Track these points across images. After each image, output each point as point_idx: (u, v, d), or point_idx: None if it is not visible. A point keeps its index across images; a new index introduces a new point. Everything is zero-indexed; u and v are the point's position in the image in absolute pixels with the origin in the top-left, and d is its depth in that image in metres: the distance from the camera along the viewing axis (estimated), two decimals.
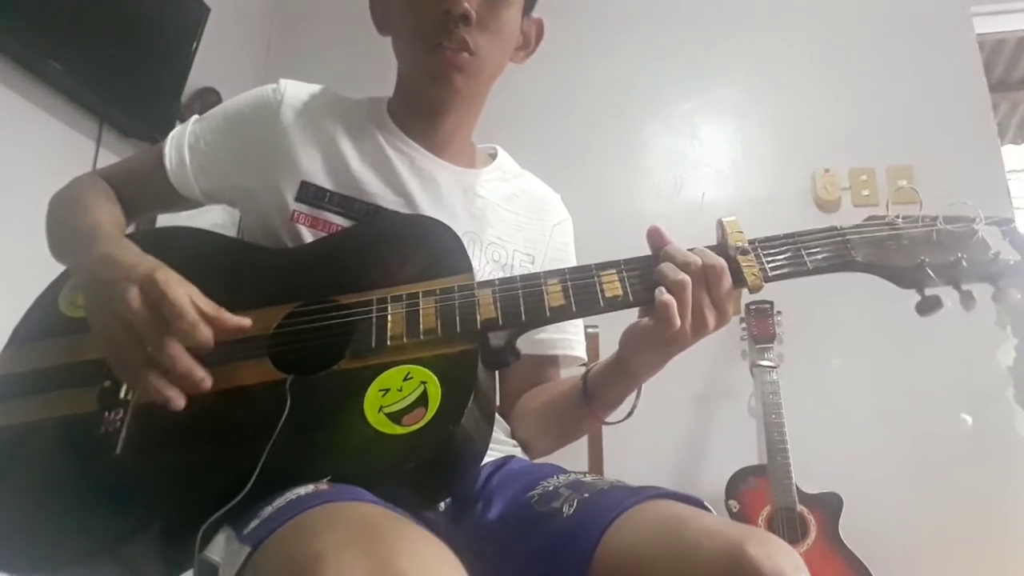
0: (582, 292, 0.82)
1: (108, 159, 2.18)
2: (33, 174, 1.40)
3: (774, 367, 2.25)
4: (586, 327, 1.19)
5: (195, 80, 2.50)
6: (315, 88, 1.08)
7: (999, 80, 3.80)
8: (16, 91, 1.99)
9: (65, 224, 0.97)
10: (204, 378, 0.76)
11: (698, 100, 2.82)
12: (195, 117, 1.08)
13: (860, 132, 2.60)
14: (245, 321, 0.81)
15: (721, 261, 0.80)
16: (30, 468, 0.82)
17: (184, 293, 0.76)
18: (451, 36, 0.95)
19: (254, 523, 0.63)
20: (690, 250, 0.82)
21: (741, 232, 0.83)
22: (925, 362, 2.31)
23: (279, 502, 0.65)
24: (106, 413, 0.82)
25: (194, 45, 2.46)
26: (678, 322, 0.78)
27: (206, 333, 0.76)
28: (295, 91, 1.05)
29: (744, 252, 0.81)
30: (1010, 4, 2.75)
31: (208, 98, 2.56)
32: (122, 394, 0.83)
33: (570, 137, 2.78)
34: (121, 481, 0.77)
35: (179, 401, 0.76)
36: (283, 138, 1.01)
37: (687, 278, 0.78)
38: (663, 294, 0.78)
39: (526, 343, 0.99)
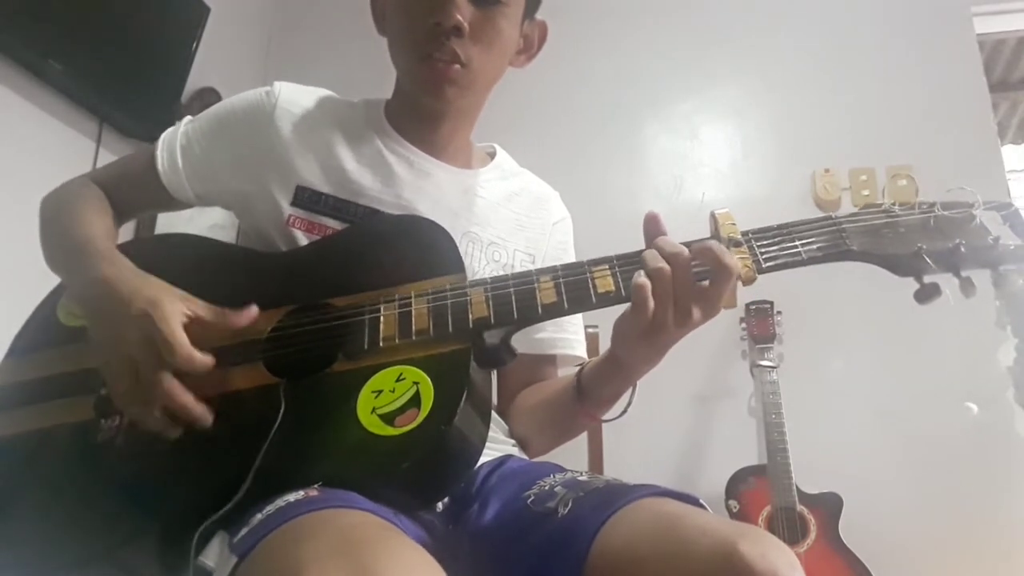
0: (574, 288, 0.81)
1: (108, 159, 2.18)
2: (33, 174, 1.41)
3: (774, 367, 2.25)
4: (586, 326, 1.18)
5: (195, 80, 2.51)
6: (310, 90, 1.07)
7: (999, 80, 3.79)
8: (16, 91, 1.99)
9: (58, 236, 0.97)
10: (202, 416, 0.77)
11: (698, 100, 2.82)
12: (187, 118, 1.07)
13: (860, 132, 2.60)
14: (251, 312, 0.83)
15: (729, 257, 0.76)
16: (28, 476, 0.82)
17: (178, 324, 0.77)
18: (442, 48, 0.94)
19: (243, 531, 0.63)
20: (685, 244, 0.80)
21: (734, 224, 0.81)
22: (925, 362, 2.31)
23: (269, 509, 0.65)
24: (103, 421, 0.82)
25: (194, 45, 2.46)
26: (652, 304, 0.76)
27: (202, 362, 0.77)
28: (289, 94, 1.04)
29: (737, 244, 0.79)
30: (1010, 4, 2.74)
31: (208, 98, 2.57)
32: None
33: (570, 137, 2.78)
34: (118, 487, 0.78)
35: (173, 432, 0.77)
36: (278, 142, 1.00)
37: (666, 266, 0.77)
38: (639, 277, 0.77)
39: (524, 342, 0.99)
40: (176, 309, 0.78)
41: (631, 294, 0.77)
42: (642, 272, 0.77)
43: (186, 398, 0.76)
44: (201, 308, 0.81)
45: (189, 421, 0.77)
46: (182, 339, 0.76)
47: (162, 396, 0.76)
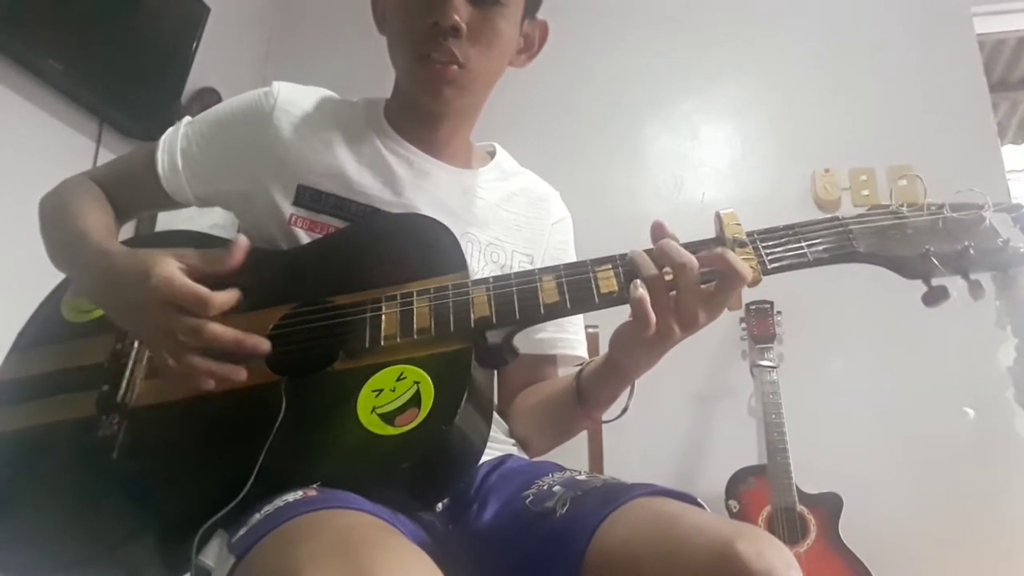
0: (577, 288, 0.80)
1: (108, 159, 2.18)
2: (33, 174, 1.41)
3: (774, 367, 2.25)
4: (587, 326, 1.18)
5: (195, 80, 2.50)
6: (309, 90, 1.07)
7: (999, 80, 3.79)
8: (16, 91, 1.99)
9: (59, 233, 0.97)
10: (258, 341, 0.79)
11: (698, 100, 2.81)
12: (187, 119, 1.07)
13: (860, 132, 2.60)
14: (239, 245, 0.83)
15: (742, 266, 0.75)
16: (30, 472, 0.83)
17: (184, 278, 0.77)
18: (440, 48, 0.93)
19: (242, 531, 0.63)
20: (686, 245, 0.79)
21: (739, 224, 0.80)
22: (925, 362, 2.31)
23: (267, 509, 0.65)
24: (104, 417, 0.83)
25: (194, 45, 2.46)
26: (653, 318, 0.75)
27: (230, 299, 0.78)
28: (289, 94, 1.04)
29: (742, 244, 0.78)
30: (1010, 4, 2.74)
31: (208, 98, 2.57)
32: (119, 398, 0.84)
33: (570, 137, 2.78)
34: (119, 484, 0.78)
35: (241, 374, 0.78)
36: (277, 142, 1.00)
37: (657, 272, 0.76)
38: (637, 289, 0.76)
39: (525, 342, 0.99)
40: (171, 266, 0.78)
41: (630, 307, 0.77)
42: (639, 283, 0.76)
43: (235, 332, 0.77)
44: (192, 257, 0.81)
45: (249, 352, 0.78)
46: (202, 289, 0.77)
47: (212, 340, 0.76)
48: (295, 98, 1.04)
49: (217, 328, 0.77)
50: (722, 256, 0.75)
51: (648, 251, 0.79)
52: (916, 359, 2.32)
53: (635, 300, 0.76)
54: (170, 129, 1.06)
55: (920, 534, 2.17)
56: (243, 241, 0.83)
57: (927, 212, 0.81)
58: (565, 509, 0.75)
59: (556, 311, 0.80)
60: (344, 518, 0.62)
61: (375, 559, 0.54)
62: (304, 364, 0.80)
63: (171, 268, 0.78)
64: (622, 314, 0.83)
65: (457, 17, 0.92)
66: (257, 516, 0.64)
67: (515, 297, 0.80)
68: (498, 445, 0.98)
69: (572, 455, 1.13)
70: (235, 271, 0.81)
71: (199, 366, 0.77)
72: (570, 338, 1.11)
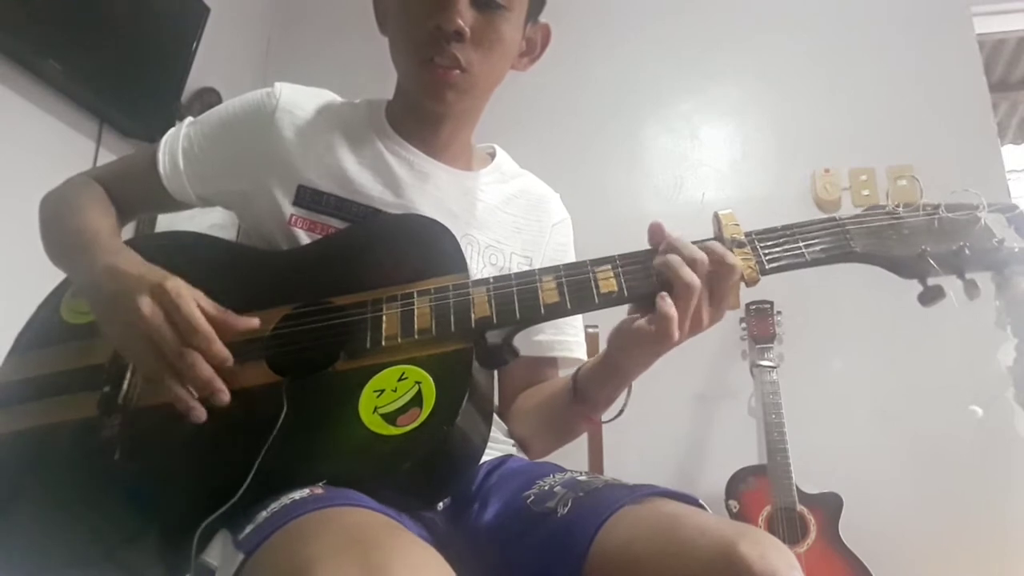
0: (577, 289, 0.81)
1: (108, 159, 2.17)
2: (33, 174, 1.41)
3: (774, 367, 2.25)
4: (586, 326, 1.18)
5: (195, 80, 2.51)
6: (311, 91, 1.07)
7: (999, 80, 3.80)
8: (16, 91, 1.99)
9: (61, 231, 0.97)
10: (222, 390, 0.77)
11: (698, 100, 2.81)
12: (189, 119, 1.07)
13: (860, 132, 2.60)
14: (253, 321, 0.82)
15: (731, 257, 0.77)
16: (31, 473, 0.82)
17: (194, 304, 0.77)
18: (443, 52, 0.93)
19: (249, 528, 0.63)
20: (694, 243, 0.80)
21: (737, 225, 0.81)
22: (925, 362, 2.31)
23: (274, 507, 0.65)
24: (105, 418, 0.82)
25: (194, 45, 2.46)
26: (676, 335, 0.77)
27: (221, 350, 0.77)
28: (290, 95, 1.04)
29: (740, 244, 0.80)
30: (1010, 4, 2.75)
31: (208, 98, 2.57)
32: (121, 399, 0.83)
33: (570, 137, 2.78)
34: (120, 485, 0.78)
35: (200, 415, 0.76)
36: (278, 143, 1.00)
37: (696, 281, 0.77)
38: (665, 303, 0.77)
39: (524, 344, 0.99)
40: (187, 290, 0.78)
41: (656, 321, 0.77)
42: (666, 295, 0.77)
43: (209, 372, 0.76)
44: (204, 300, 0.80)
45: (209, 396, 0.76)
46: (202, 319, 0.76)
47: (187, 370, 0.75)
48: (297, 99, 1.04)
49: (196, 361, 0.75)
50: (711, 249, 0.77)
51: (672, 247, 0.79)
52: (916, 359, 2.32)
53: (663, 315, 0.76)
54: (172, 129, 1.06)
55: (920, 534, 2.18)
56: (255, 321, 0.82)
57: (923, 212, 0.82)
58: (567, 510, 0.75)
59: (556, 311, 0.81)
60: (353, 516, 0.62)
61: (388, 556, 0.54)
62: (305, 364, 0.80)
63: (184, 285, 0.78)
64: (622, 314, 0.83)
65: (461, 21, 0.91)
66: (264, 514, 0.64)
67: (515, 297, 0.81)
68: (498, 445, 0.98)
69: (572, 455, 1.13)
70: (236, 278, 0.81)
71: (172, 388, 0.76)
72: (569, 340, 1.11)
